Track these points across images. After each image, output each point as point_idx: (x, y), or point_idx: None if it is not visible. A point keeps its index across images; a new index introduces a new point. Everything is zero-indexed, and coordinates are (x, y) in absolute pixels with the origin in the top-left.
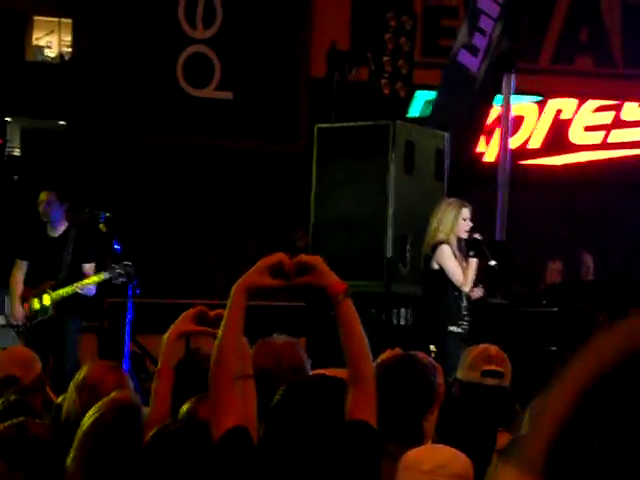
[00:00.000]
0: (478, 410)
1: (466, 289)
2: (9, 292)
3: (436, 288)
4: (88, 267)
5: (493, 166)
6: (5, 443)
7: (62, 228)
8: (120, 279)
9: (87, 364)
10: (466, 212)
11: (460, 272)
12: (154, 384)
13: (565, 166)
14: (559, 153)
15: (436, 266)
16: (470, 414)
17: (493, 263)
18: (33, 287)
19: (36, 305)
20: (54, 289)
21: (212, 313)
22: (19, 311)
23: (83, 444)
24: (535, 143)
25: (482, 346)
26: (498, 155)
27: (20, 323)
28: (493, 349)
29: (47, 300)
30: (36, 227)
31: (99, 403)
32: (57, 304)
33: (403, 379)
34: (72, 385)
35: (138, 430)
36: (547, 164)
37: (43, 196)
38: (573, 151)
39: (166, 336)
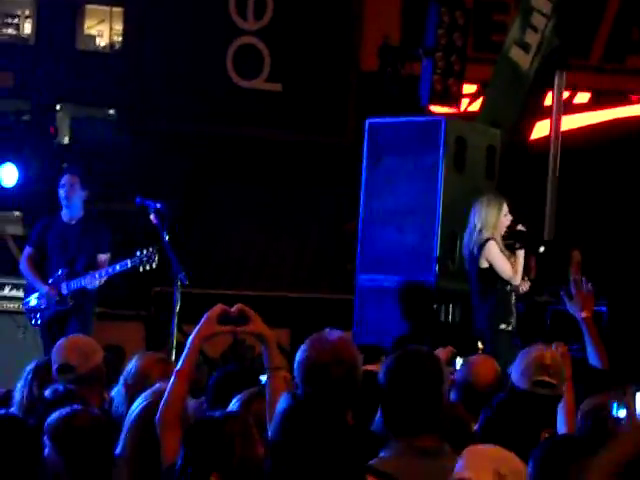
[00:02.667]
0: (526, 416)
1: (516, 282)
2: (26, 277)
3: (485, 286)
4: (103, 258)
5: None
6: (53, 432)
7: (78, 216)
8: (144, 266)
9: (135, 356)
10: (506, 207)
11: (510, 266)
12: (171, 383)
13: None
14: None
15: (485, 264)
16: (518, 419)
17: (542, 249)
18: (46, 274)
19: (58, 294)
20: (69, 278)
21: (233, 310)
22: (51, 289)
23: (130, 432)
24: None
25: (539, 352)
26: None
27: (55, 300)
28: (548, 357)
29: (65, 290)
30: (54, 214)
31: (146, 392)
32: (74, 294)
33: (411, 374)
34: (121, 378)
35: (183, 420)
36: None
37: (64, 179)
38: None
39: (191, 339)
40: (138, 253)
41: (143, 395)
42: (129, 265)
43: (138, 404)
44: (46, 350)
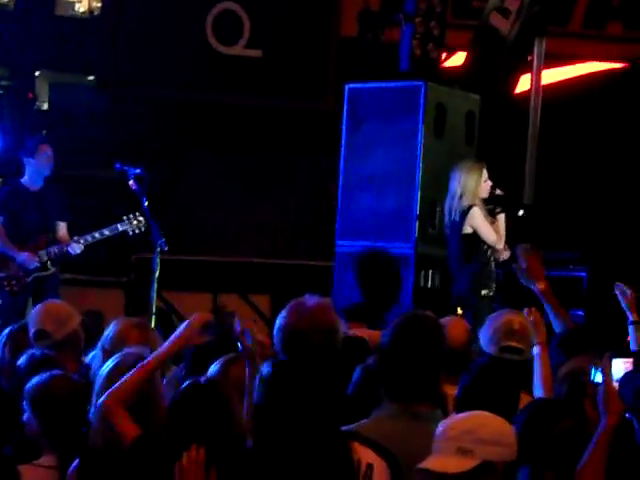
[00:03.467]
0: (497, 381)
1: (500, 246)
2: None
3: (468, 252)
4: (62, 226)
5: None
6: (32, 397)
7: (41, 183)
8: (133, 230)
9: (113, 321)
10: (485, 173)
11: (493, 232)
12: (130, 373)
13: None
14: None
15: (468, 230)
16: (488, 388)
17: (521, 212)
18: (17, 242)
19: (43, 258)
20: (48, 245)
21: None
22: (30, 257)
23: (99, 394)
24: None
25: (507, 317)
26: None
27: (34, 266)
28: (516, 322)
29: (44, 256)
30: (14, 182)
31: (116, 354)
32: (53, 261)
33: (417, 339)
34: (99, 343)
35: (152, 383)
36: None
37: (47, 148)
38: None
39: (169, 343)
40: (126, 217)
41: (113, 357)
42: (119, 229)
43: (107, 365)
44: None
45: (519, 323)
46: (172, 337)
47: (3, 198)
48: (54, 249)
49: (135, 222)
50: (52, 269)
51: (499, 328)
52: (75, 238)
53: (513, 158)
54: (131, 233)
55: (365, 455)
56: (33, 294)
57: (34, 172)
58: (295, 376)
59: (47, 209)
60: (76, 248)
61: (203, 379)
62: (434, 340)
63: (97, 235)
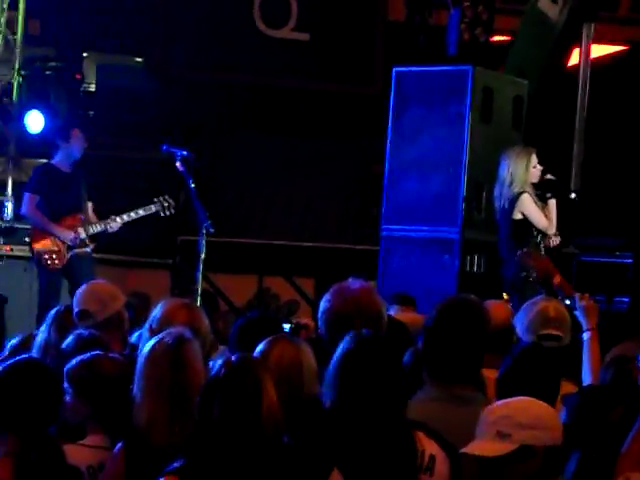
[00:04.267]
0: (536, 370)
1: (552, 231)
2: (37, 223)
3: (518, 238)
4: (89, 206)
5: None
6: (75, 378)
7: (71, 166)
8: (164, 211)
9: (160, 302)
10: (535, 159)
11: (544, 217)
12: None
13: None
14: None
15: (518, 215)
16: (529, 373)
17: (573, 196)
18: (52, 221)
19: (82, 234)
20: (85, 224)
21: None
22: (70, 233)
23: (140, 370)
24: None
25: (542, 304)
26: None
27: (76, 242)
28: (552, 309)
29: (83, 233)
30: (47, 164)
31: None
32: (92, 238)
33: (457, 320)
34: (146, 323)
35: (190, 362)
36: None
37: (80, 133)
38: None
39: None
40: (157, 200)
41: (155, 336)
42: (153, 210)
43: (148, 344)
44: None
45: (555, 309)
46: None
47: (38, 179)
48: (93, 226)
49: (166, 204)
50: (91, 246)
51: (535, 316)
52: (113, 217)
53: (561, 144)
54: (162, 214)
55: (429, 446)
56: (70, 273)
57: (66, 155)
58: (380, 353)
59: (78, 190)
60: (114, 226)
61: (235, 358)
62: (478, 323)
63: (133, 215)
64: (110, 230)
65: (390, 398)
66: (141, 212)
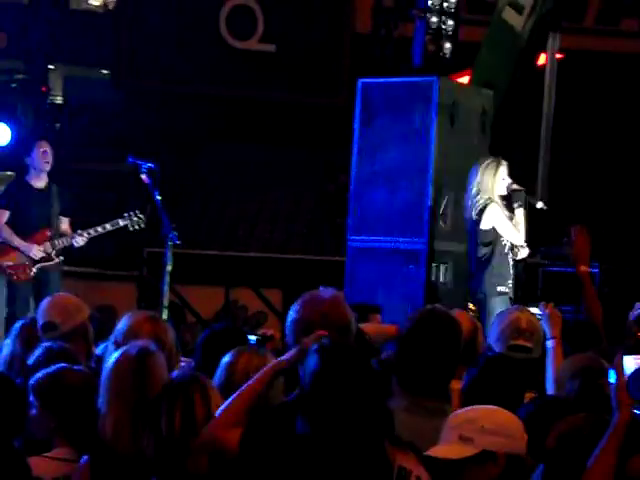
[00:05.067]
0: (500, 380)
1: (520, 242)
2: (3, 237)
3: (486, 248)
4: (65, 221)
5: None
6: (40, 391)
7: (45, 180)
8: (133, 226)
9: (126, 314)
10: (504, 170)
11: (513, 228)
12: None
13: None
14: None
15: (486, 226)
16: (493, 383)
17: (540, 205)
18: (21, 235)
19: (48, 249)
20: (53, 239)
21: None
22: (34, 247)
23: (107, 382)
24: None
25: (514, 315)
26: None
27: (39, 257)
28: (524, 320)
29: (50, 247)
30: (19, 179)
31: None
32: (57, 252)
33: (430, 334)
34: (112, 336)
35: (154, 374)
36: None
37: (44, 145)
38: None
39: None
40: (127, 214)
41: (120, 349)
42: (120, 224)
43: (113, 357)
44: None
45: (527, 321)
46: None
47: (9, 194)
48: (59, 241)
49: (135, 218)
50: (56, 260)
51: (507, 327)
52: (79, 232)
53: (527, 154)
54: (131, 229)
55: (416, 468)
56: (37, 286)
57: (33, 169)
58: (346, 366)
59: (51, 205)
60: (79, 241)
61: (180, 376)
62: (452, 336)
63: (99, 229)
64: (76, 245)
65: (370, 411)
66: (108, 227)
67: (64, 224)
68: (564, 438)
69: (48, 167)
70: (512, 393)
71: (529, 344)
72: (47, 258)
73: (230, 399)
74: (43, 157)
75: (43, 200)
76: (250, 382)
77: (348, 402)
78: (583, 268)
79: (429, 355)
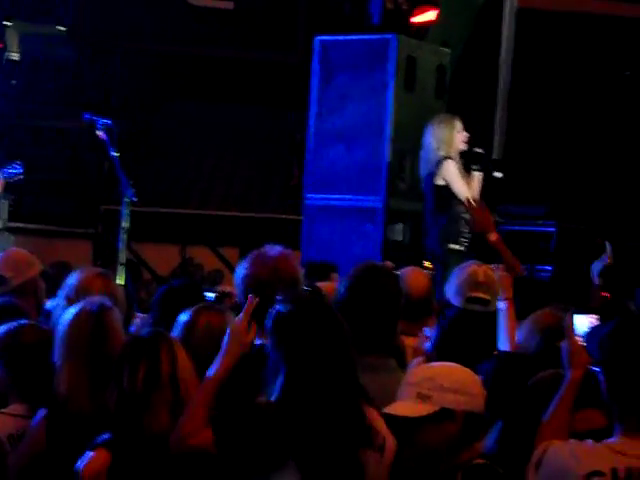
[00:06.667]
0: (467, 332)
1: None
2: None
3: (439, 204)
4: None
5: None
6: None
7: None
8: (12, 178)
9: (76, 270)
10: (459, 124)
11: (466, 188)
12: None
13: None
14: None
15: (441, 182)
16: (460, 335)
17: (499, 175)
18: None
19: None
20: None
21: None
22: None
23: (64, 339)
24: None
25: (472, 268)
26: None
27: None
28: (481, 274)
29: None
30: None
31: (80, 302)
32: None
33: (369, 289)
34: (61, 291)
35: (112, 330)
36: None
37: None
38: None
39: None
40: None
41: (76, 304)
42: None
43: (70, 312)
44: None
45: (484, 274)
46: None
47: None
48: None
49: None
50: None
51: (465, 280)
52: None
53: (484, 112)
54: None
55: (381, 425)
56: None
57: None
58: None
59: None
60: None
61: (146, 332)
62: (389, 292)
63: None
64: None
65: (343, 364)
66: None
67: None
68: (526, 394)
69: None
70: (478, 346)
71: (487, 296)
72: None
73: (188, 408)
74: None
75: None
76: (203, 385)
77: (325, 347)
78: (493, 236)
79: (367, 311)
